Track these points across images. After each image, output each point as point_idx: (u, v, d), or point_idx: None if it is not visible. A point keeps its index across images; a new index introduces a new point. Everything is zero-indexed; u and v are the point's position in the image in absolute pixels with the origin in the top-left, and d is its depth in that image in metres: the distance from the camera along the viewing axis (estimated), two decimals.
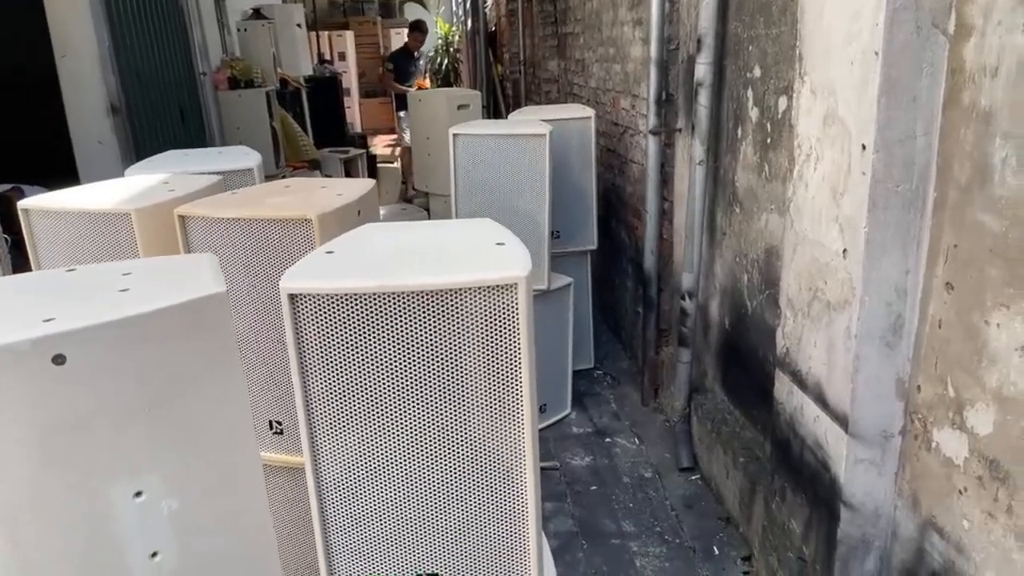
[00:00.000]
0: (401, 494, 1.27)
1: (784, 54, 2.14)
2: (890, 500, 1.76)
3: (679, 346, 3.03)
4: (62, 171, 4.06)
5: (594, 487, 2.96)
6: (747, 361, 2.62)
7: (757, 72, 2.35)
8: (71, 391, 0.99)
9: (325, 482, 1.27)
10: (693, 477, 2.97)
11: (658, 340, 3.44)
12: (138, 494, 1.07)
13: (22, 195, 3.59)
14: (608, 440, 3.30)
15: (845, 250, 1.66)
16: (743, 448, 2.60)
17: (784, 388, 2.05)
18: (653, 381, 3.50)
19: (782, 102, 2.18)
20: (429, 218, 5.19)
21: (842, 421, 1.75)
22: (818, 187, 1.77)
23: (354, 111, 12.92)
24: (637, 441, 3.27)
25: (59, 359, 0.97)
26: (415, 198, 6.64)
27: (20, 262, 2.79)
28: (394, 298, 1.15)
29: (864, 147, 1.56)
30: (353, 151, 7.42)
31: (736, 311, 2.69)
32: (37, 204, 1.85)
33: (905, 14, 1.46)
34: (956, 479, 1.50)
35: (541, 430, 3.34)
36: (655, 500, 2.85)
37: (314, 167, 6.71)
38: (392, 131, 12.05)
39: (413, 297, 1.15)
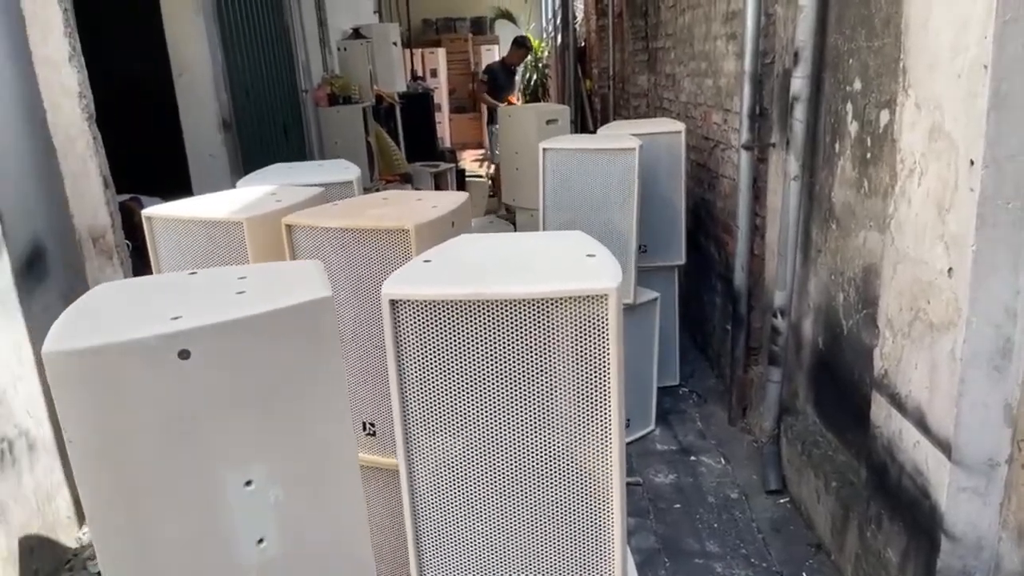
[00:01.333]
0: (490, 500, 1.30)
1: (887, 67, 2.09)
2: (994, 531, 1.68)
3: (769, 365, 2.96)
4: (177, 183, 4.35)
5: (678, 505, 2.92)
6: (841, 382, 2.54)
7: (857, 85, 2.29)
8: (194, 383, 1.07)
9: (417, 483, 1.31)
10: (781, 500, 2.89)
11: (747, 359, 3.37)
12: (248, 483, 1.15)
13: (140, 204, 3.86)
14: (693, 458, 3.25)
15: (951, 269, 1.60)
16: (836, 472, 2.51)
17: (882, 411, 1.98)
18: (741, 400, 3.43)
19: (884, 116, 2.12)
20: (516, 231, 5.26)
21: (945, 447, 1.68)
22: (922, 203, 1.71)
23: (444, 126, 13.23)
24: (723, 461, 3.21)
25: (184, 354, 1.06)
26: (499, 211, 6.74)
27: (139, 266, 3.01)
28: (488, 306, 1.19)
29: (972, 162, 1.50)
30: (443, 165, 7.60)
31: (830, 331, 2.61)
32: (159, 212, 2.00)
33: (1016, 27, 1.41)
34: None
35: (625, 445, 3.32)
36: (741, 522, 2.79)
37: (406, 180, 6.91)
38: (480, 146, 12.27)
39: (506, 305, 1.19)
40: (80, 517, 2.59)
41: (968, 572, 1.72)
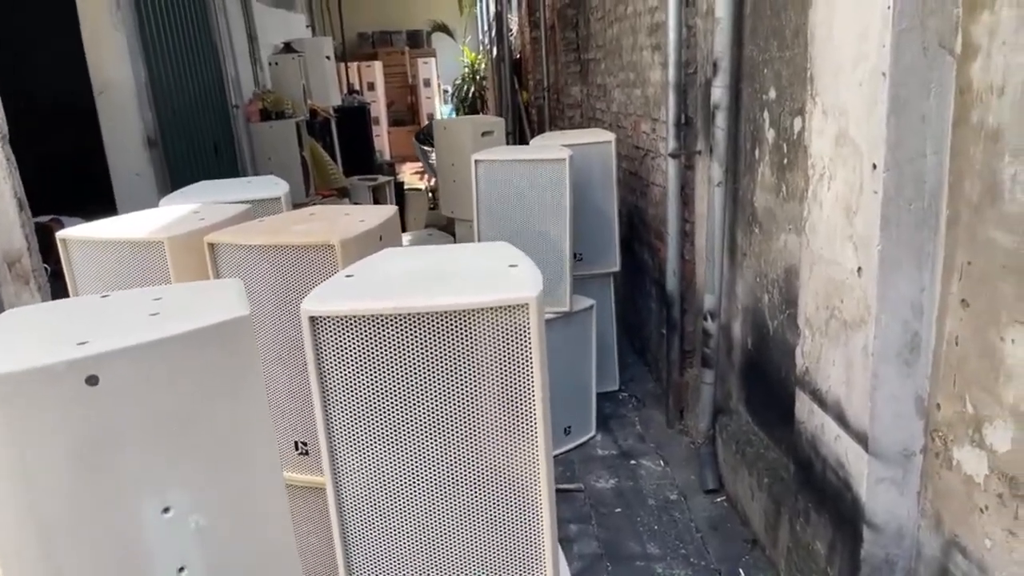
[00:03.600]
0: (420, 513, 1.30)
1: (798, 76, 2.17)
2: (913, 519, 1.75)
3: (703, 367, 3.03)
4: (100, 202, 4.21)
5: (619, 509, 2.95)
6: (770, 381, 2.61)
7: (772, 94, 2.38)
8: (104, 410, 1.04)
9: (345, 499, 1.30)
10: (719, 499, 2.95)
11: (682, 361, 3.44)
12: (166, 510, 1.12)
13: (61, 225, 3.71)
14: (633, 462, 3.29)
15: (860, 268, 1.67)
16: (768, 469, 2.58)
17: (805, 407, 2.05)
18: (678, 403, 3.49)
19: (797, 123, 2.20)
20: (456, 242, 5.26)
21: (862, 440, 1.74)
22: (832, 206, 1.78)
23: (383, 139, 13.16)
24: (662, 463, 3.26)
25: (92, 380, 1.03)
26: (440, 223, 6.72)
27: (59, 290, 2.89)
28: (409, 319, 1.19)
29: (875, 166, 1.57)
30: (381, 178, 7.55)
31: (758, 331, 2.69)
32: (75, 234, 1.94)
33: (911, 35, 1.49)
34: (977, 497, 1.49)
35: (566, 452, 3.34)
36: (680, 522, 2.84)
37: (343, 195, 6.84)
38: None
39: (427, 318, 1.19)
40: None
41: (891, 560, 1.79)
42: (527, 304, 1.19)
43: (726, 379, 3.05)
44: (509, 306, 1.19)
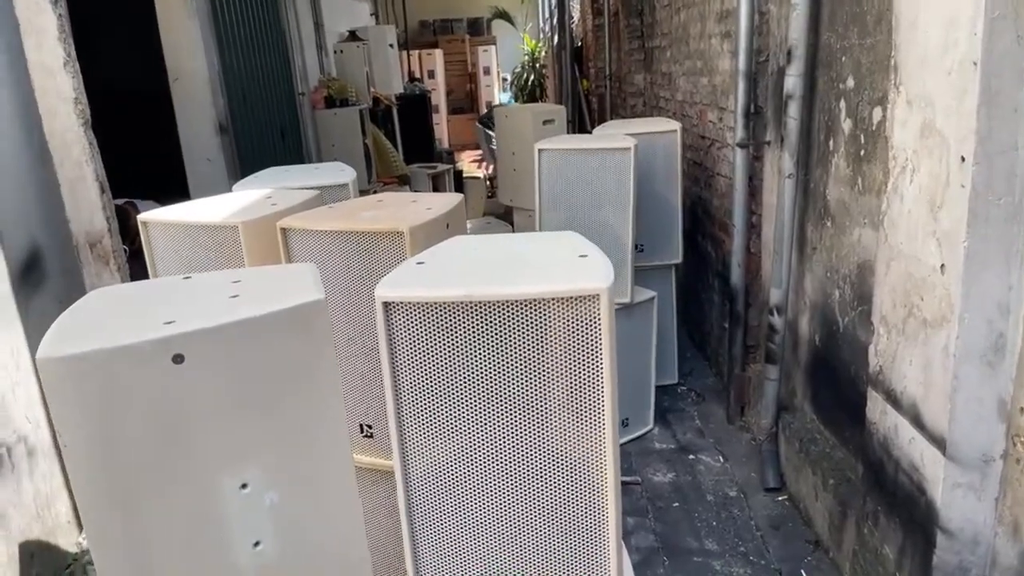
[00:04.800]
0: (484, 500, 1.31)
1: (879, 64, 2.09)
2: (990, 526, 1.68)
3: (767, 363, 2.97)
4: (173, 186, 4.36)
5: (676, 504, 2.92)
6: (838, 379, 2.54)
7: (850, 83, 2.30)
8: (188, 388, 1.08)
9: (413, 484, 1.32)
10: (780, 498, 2.89)
11: (745, 357, 3.37)
12: (244, 486, 1.15)
13: (136, 208, 3.86)
14: (692, 457, 3.25)
15: (943, 265, 1.61)
16: (833, 469, 2.52)
17: (877, 408, 1.99)
18: (739, 398, 3.43)
19: (876, 113, 2.12)
20: (514, 231, 5.26)
21: (939, 443, 1.68)
22: (914, 200, 1.71)
23: (442, 127, 13.23)
24: (721, 459, 3.21)
25: (178, 358, 1.07)
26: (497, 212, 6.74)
27: (137, 270, 3.01)
28: (481, 307, 1.20)
29: (963, 159, 1.51)
30: (441, 166, 7.60)
31: (827, 328, 2.62)
32: (155, 217, 2.00)
33: (1004, 23, 1.41)
34: None
35: (623, 445, 3.32)
36: (740, 520, 2.79)
37: (403, 182, 6.92)
38: (478, 146, 12.29)
39: (499, 306, 1.20)
40: (80, 522, 2.59)
41: (964, 568, 1.72)
42: (599, 294, 1.18)
43: (791, 376, 2.98)
44: (581, 296, 1.18)
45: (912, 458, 1.81)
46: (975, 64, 1.44)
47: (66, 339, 1.06)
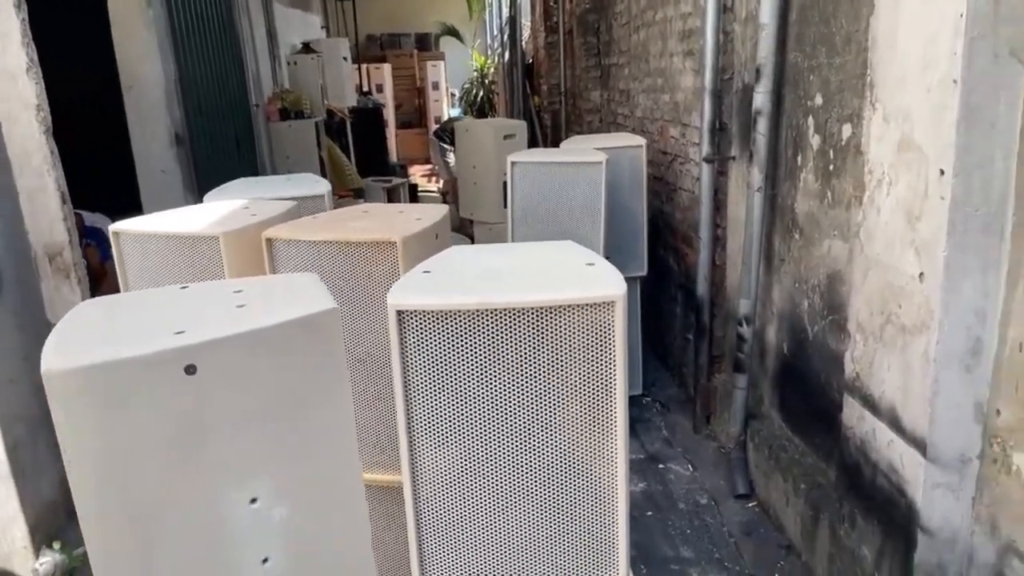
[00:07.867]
0: (495, 510, 1.30)
1: (848, 83, 2.17)
2: (967, 525, 1.75)
3: (735, 372, 3.03)
4: (124, 199, 4.21)
5: (650, 512, 2.95)
6: (808, 387, 2.61)
7: (819, 100, 2.38)
8: (200, 399, 1.04)
9: (422, 497, 1.30)
10: (750, 504, 2.95)
11: (710, 367, 3.44)
12: (253, 500, 1.12)
13: (82, 221, 3.71)
14: (661, 466, 3.29)
15: (922, 273, 1.68)
16: (804, 475, 2.58)
17: (854, 413, 2.05)
18: (705, 408, 3.49)
19: (846, 130, 2.20)
20: (473, 244, 5.25)
21: (919, 445, 1.74)
22: (892, 212, 1.78)
23: (391, 141, 13.15)
24: (691, 468, 3.26)
25: (191, 369, 1.03)
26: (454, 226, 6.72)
27: (91, 285, 2.89)
28: (495, 315, 1.19)
29: (943, 172, 1.58)
30: (396, 180, 7.55)
31: (795, 337, 2.69)
32: (128, 228, 1.94)
33: (983, 43, 1.49)
34: None
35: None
36: (713, 527, 2.83)
37: (358, 195, 6.84)
38: (427, 160, 12.27)
39: (514, 314, 1.19)
40: (36, 547, 2.47)
41: (943, 566, 1.79)
42: (614, 301, 1.19)
43: (758, 384, 3.04)
44: (598, 303, 1.19)
45: (891, 460, 1.87)
46: (955, 82, 1.52)
47: (72, 351, 1.01)
